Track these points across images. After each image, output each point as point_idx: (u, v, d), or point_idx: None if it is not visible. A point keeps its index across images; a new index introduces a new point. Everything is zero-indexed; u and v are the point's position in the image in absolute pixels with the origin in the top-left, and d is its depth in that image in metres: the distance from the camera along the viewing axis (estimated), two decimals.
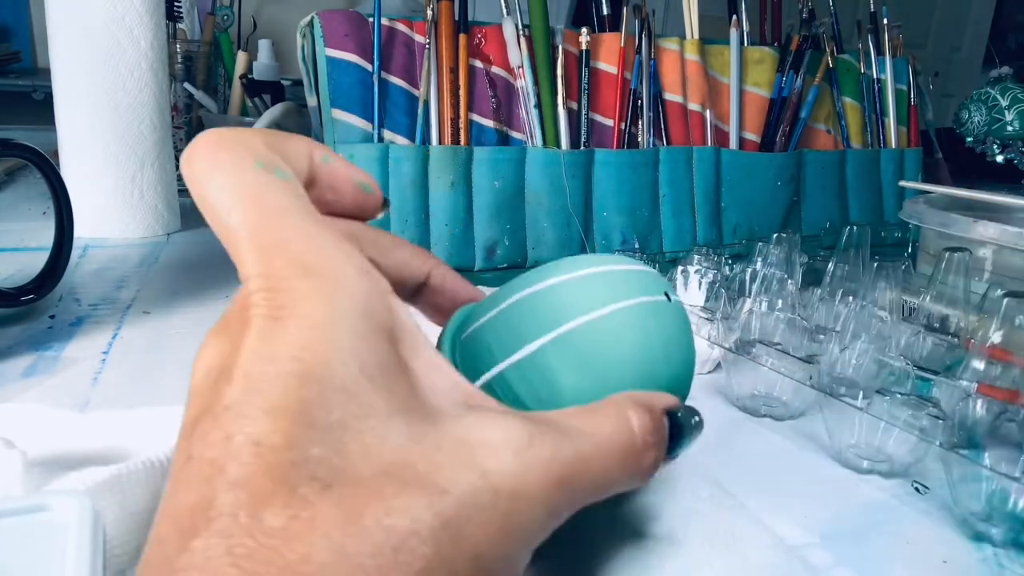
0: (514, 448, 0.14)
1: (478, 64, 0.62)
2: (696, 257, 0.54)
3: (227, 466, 0.13)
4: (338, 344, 0.14)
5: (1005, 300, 0.40)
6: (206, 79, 0.89)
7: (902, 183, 0.72)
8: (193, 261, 0.63)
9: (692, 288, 0.51)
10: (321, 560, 0.12)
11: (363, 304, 0.15)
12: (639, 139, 0.67)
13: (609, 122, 0.66)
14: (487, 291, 0.24)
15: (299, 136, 0.19)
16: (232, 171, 0.16)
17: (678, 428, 0.18)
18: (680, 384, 0.22)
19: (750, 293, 0.50)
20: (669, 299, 0.22)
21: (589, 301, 0.21)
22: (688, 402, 0.21)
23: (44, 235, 0.49)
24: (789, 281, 0.49)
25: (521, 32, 0.61)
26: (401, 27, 0.60)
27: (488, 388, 0.21)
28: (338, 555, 0.12)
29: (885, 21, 0.80)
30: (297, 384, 0.13)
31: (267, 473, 0.12)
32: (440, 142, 0.60)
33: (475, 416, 0.15)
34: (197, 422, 0.14)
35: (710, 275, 0.51)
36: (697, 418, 0.19)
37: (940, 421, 0.32)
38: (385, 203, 0.21)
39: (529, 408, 0.19)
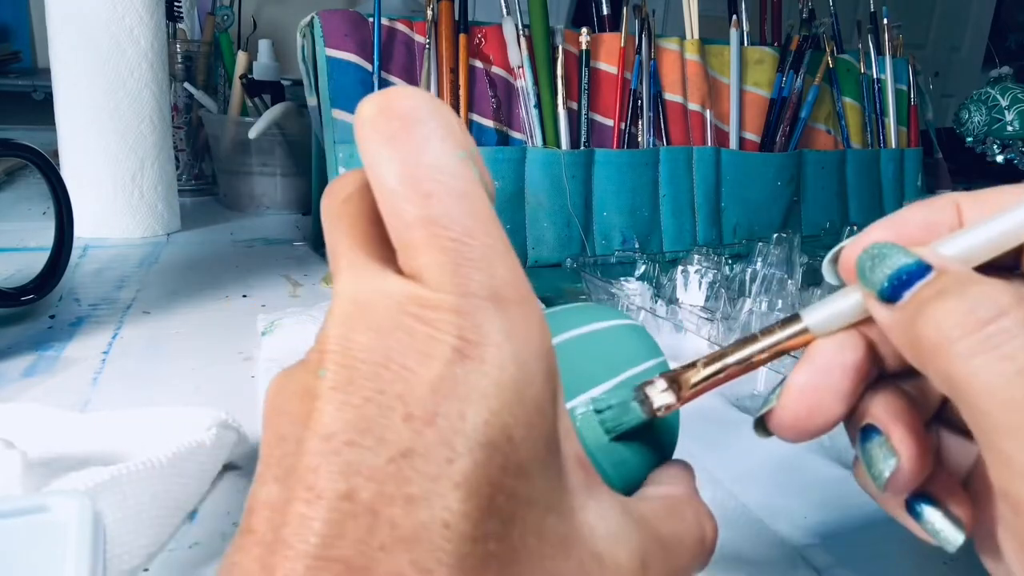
0: (634, 569, 0.15)
1: (478, 64, 0.62)
2: (696, 257, 0.54)
3: (413, 548, 0.10)
4: (524, 412, 0.12)
5: None
6: (206, 79, 0.89)
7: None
8: (193, 261, 0.63)
9: (692, 288, 0.51)
10: None
11: (547, 359, 0.13)
12: (639, 139, 0.67)
13: (609, 122, 0.66)
14: None
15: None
16: (438, 152, 0.13)
17: None
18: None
19: (750, 293, 0.50)
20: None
21: (636, 352, 0.21)
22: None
23: (44, 235, 0.49)
24: (789, 281, 0.49)
25: (521, 32, 0.61)
26: (401, 27, 0.60)
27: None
28: None
29: (885, 21, 0.80)
30: (485, 458, 0.11)
31: (454, 569, 0.11)
32: None
33: (597, 513, 0.14)
34: (370, 426, 0.11)
35: (710, 275, 0.51)
36: None
37: None
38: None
39: (594, 456, 0.19)
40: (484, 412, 0.11)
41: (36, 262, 0.48)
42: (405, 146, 0.12)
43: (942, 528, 0.18)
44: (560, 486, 0.13)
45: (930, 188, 0.86)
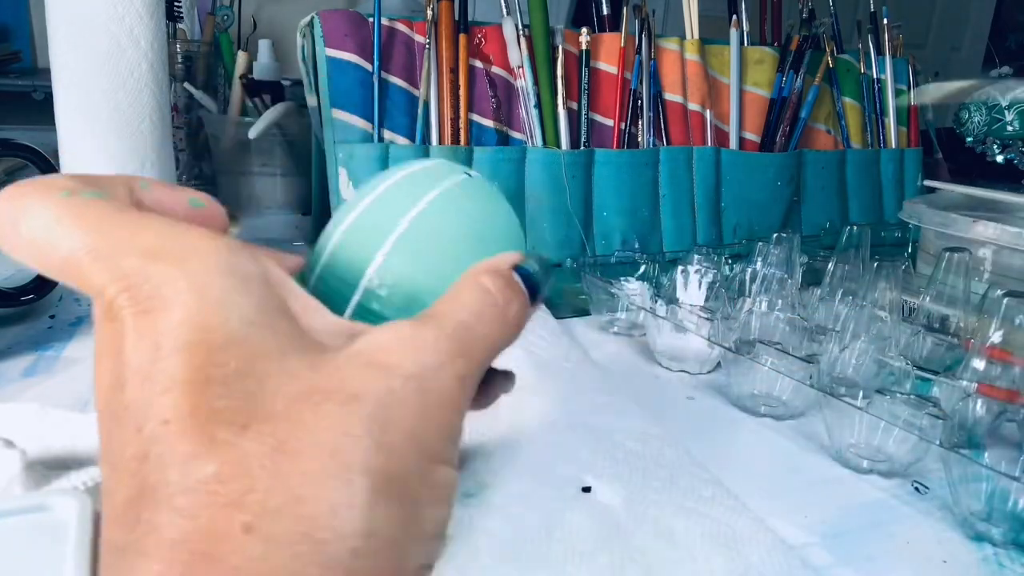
0: (404, 340, 0.16)
1: (478, 64, 0.62)
2: (696, 257, 0.54)
3: (148, 452, 0.13)
4: (211, 304, 0.14)
5: (1005, 300, 0.40)
6: (206, 79, 0.89)
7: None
8: None
9: (692, 288, 0.51)
10: (264, 486, 0.13)
11: (220, 262, 0.15)
12: (639, 139, 0.67)
13: (609, 122, 0.66)
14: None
15: (115, 176, 0.18)
16: (42, 207, 0.15)
17: (529, 276, 0.20)
18: (515, 246, 0.23)
19: (750, 293, 0.50)
20: (471, 176, 0.24)
21: (401, 206, 0.22)
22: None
23: None
24: (789, 281, 0.49)
25: (521, 32, 0.61)
26: (401, 27, 0.60)
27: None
28: (277, 477, 0.13)
29: (885, 21, 0.80)
30: (185, 357, 0.14)
31: (182, 440, 0.13)
32: (440, 142, 0.60)
33: (362, 337, 0.16)
34: (110, 437, 0.14)
35: (710, 275, 0.51)
36: (543, 260, 0.21)
37: (940, 421, 0.32)
38: (234, 218, 0.20)
39: None
40: (172, 330, 0.14)
41: None
42: (9, 235, 0.15)
43: None
44: (296, 334, 0.16)
45: (930, 188, 0.86)
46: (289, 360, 0.15)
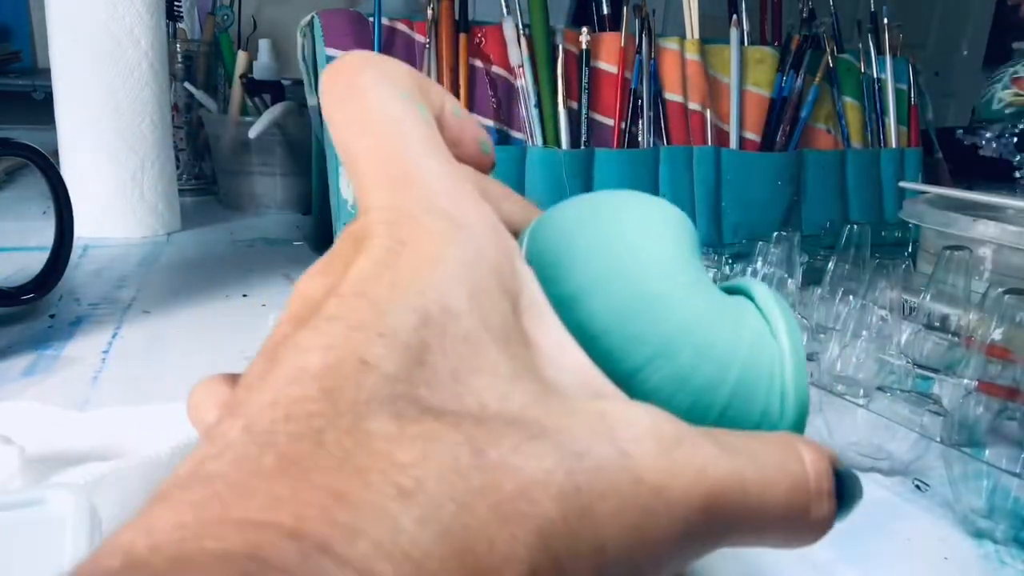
0: (660, 440, 0.12)
1: (478, 64, 0.62)
2: None
3: (324, 376, 0.11)
4: (463, 293, 0.12)
5: (1005, 298, 0.40)
6: (206, 79, 0.89)
7: (902, 184, 0.72)
8: (193, 261, 0.63)
9: None
10: (436, 470, 0.10)
11: (492, 260, 0.13)
12: (639, 139, 0.67)
13: (609, 122, 0.66)
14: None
15: (435, 83, 0.17)
16: (375, 95, 0.14)
17: (842, 486, 0.15)
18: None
19: None
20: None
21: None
22: None
23: (44, 235, 0.49)
24: (789, 280, 0.49)
25: (521, 32, 0.61)
26: (401, 27, 0.60)
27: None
28: (454, 472, 0.10)
29: (885, 21, 0.80)
30: (416, 321, 0.12)
31: (371, 395, 0.11)
32: None
33: (611, 402, 0.13)
34: (284, 339, 0.12)
35: (710, 274, 0.51)
36: (859, 482, 0.16)
37: (941, 418, 0.32)
38: (494, 164, 0.20)
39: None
40: (415, 284, 0.12)
41: (36, 262, 0.48)
42: (347, 103, 0.15)
43: None
44: (533, 366, 0.13)
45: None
46: (516, 386, 0.12)
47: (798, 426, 0.16)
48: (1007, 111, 0.89)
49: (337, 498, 0.09)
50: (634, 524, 0.11)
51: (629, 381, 0.15)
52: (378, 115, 0.14)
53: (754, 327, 0.16)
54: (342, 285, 0.12)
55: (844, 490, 0.15)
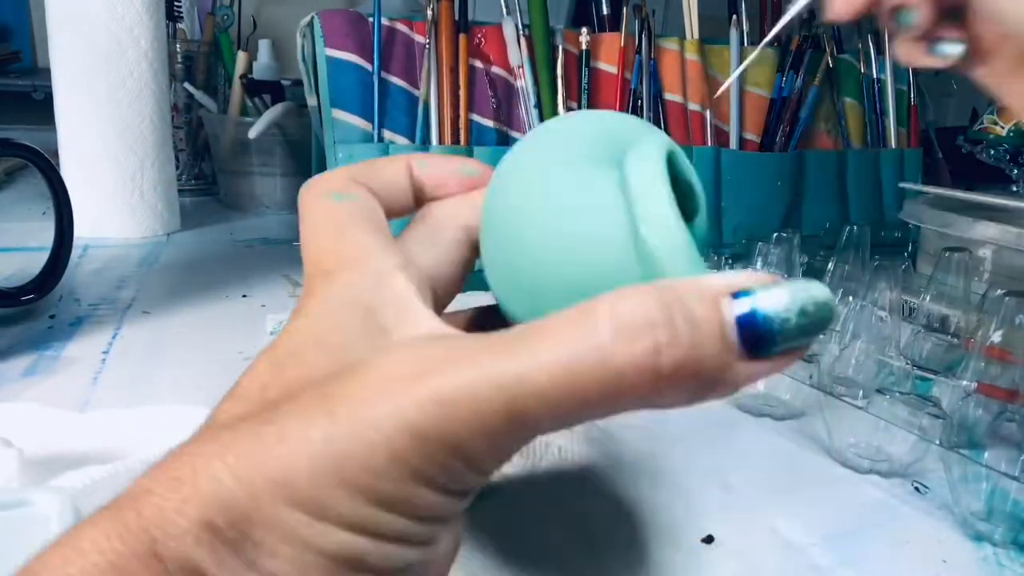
0: (428, 355, 0.15)
1: (478, 64, 0.62)
2: None
3: (229, 398, 0.17)
4: (313, 328, 0.17)
5: (1005, 300, 0.40)
6: (206, 79, 0.89)
7: (902, 184, 0.72)
8: (193, 261, 0.63)
9: None
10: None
11: (347, 293, 0.17)
12: None
13: None
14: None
15: (395, 156, 0.21)
16: (306, 203, 0.19)
17: (756, 318, 0.13)
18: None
19: None
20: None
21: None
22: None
23: (44, 235, 0.49)
24: None
25: (521, 32, 0.61)
26: (401, 27, 0.60)
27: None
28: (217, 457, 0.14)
29: None
30: (286, 351, 0.17)
31: (233, 401, 0.16)
32: (440, 142, 0.60)
33: (387, 357, 0.15)
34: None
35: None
36: (813, 296, 0.14)
37: (940, 420, 0.32)
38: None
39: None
40: (294, 328, 0.17)
41: (36, 262, 0.48)
42: (300, 221, 0.20)
43: (949, 48, 0.32)
44: (363, 350, 0.16)
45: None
46: (324, 365, 0.16)
47: (677, 264, 0.17)
48: (989, 135, 0.89)
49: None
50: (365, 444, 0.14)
51: (492, 272, 0.20)
52: (303, 220, 0.19)
53: (604, 194, 0.18)
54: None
55: (763, 322, 0.13)
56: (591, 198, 0.18)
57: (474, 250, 0.21)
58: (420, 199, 0.21)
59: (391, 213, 0.20)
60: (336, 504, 0.14)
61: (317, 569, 0.14)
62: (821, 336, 0.43)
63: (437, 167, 0.21)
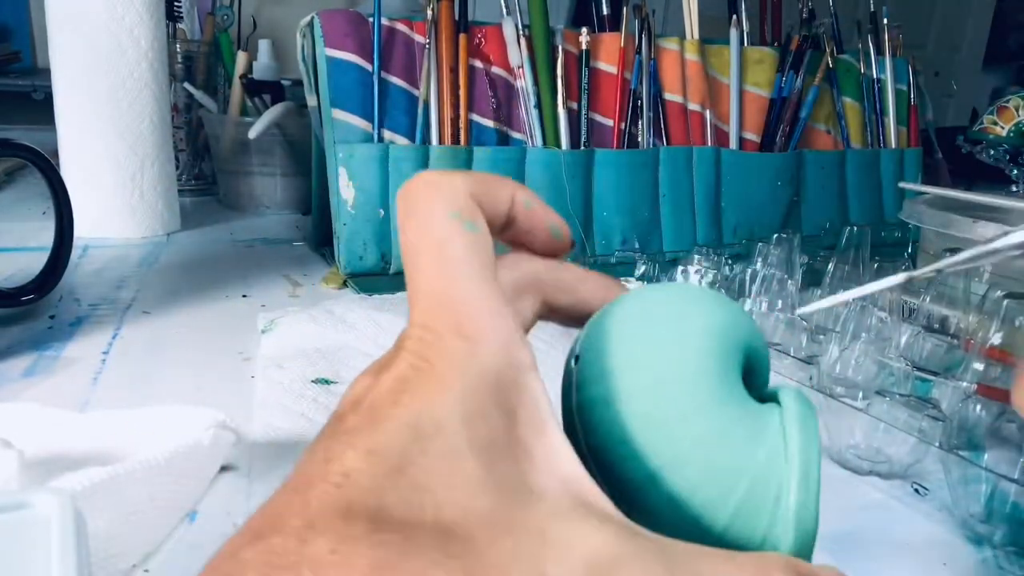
0: (593, 564, 0.13)
1: (478, 64, 0.62)
2: (696, 257, 0.54)
3: (313, 486, 0.13)
4: (457, 413, 0.14)
5: (1005, 301, 0.40)
6: (206, 79, 0.89)
7: (902, 184, 0.72)
8: (193, 261, 0.63)
9: None
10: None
11: (494, 378, 0.15)
12: (639, 139, 0.67)
13: (609, 122, 0.66)
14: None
15: (506, 180, 0.19)
16: (425, 217, 0.17)
17: None
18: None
19: (750, 293, 0.50)
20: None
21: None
22: None
23: (44, 235, 0.49)
24: (789, 281, 0.49)
25: (521, 32, 0.61)
26: (401, 27, 0.60)
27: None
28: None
29: (885, 21, 0.80)
30: (406, 438, 0.14)
31: (338, 505, 0.13)
32: (440, 142, 0.60)
33: (577, 512, 0.14)
34: (318, 439, 0.14)
35: (710, 275, 0.51)
36: None
37: (940, 422, 0.32)
38: (573, 245, 0.21)
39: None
40: (417, 404, 0.14)
41: (36, 262, 0.48)
42: (407, 222, 0.17)
43: None
44: (512, 475, 0.14)
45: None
46: (479, 498, 0.14)
47: (802, 550, 0.16)
48: (989, 135, 0.89)
49: None
50: None
51: (637, 491, 0.16)
52: (427, 237, 0.17)
53: (771, 446, 0.17)
54: (368, 396, 0.15)
55: None
56: (748, 438, 0.17)
57: (532, 324, 0.20)
58: (502, 231, 0.20)
59: None
60: None
61: None
62: (821, 338, 0.43)
63: (537, 214, 0.20)
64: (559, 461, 0.15)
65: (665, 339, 0.17)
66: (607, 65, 0.66)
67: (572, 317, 0.20)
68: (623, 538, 0.14)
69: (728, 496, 0.16)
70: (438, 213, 0.17)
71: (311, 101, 0.61)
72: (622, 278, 0.56)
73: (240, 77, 0.82)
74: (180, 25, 0.91)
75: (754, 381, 0.18)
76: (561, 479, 0.15)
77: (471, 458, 0.14)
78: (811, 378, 0.38)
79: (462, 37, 0.60)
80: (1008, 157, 0.86)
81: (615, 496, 0.16)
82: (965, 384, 0.38)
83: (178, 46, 0.86)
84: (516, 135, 0.63)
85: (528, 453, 0.15)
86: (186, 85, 0.86)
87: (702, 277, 0.51)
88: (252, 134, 0.75)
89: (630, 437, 0.17)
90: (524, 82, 0.62)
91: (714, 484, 0.16)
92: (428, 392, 0.14)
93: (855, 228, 0.55)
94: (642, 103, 0.66)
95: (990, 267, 0.52)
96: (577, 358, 0.19)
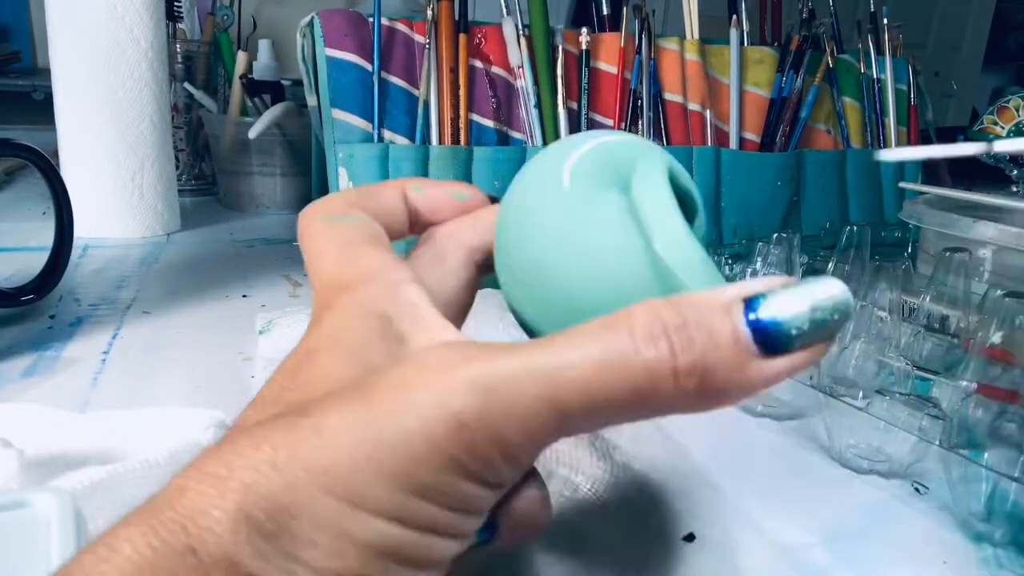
0: (468, 377, 0.15)
1: (478, 64, 0.62)
2: None
3: (251, 406, 0.17)
4: (331, 336, 0.17)
5: (1005, 300, 0.40)
6: (206, 79, 0.89)
7: (902, 184, 0.72)
8: (193, 261, 0.63)
9: None
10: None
11: (364, 304, 0.18)
12: None
13: (609, 122, 0.66)
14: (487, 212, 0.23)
15: (389, 182, 0.22)
16: (307, 228, 0.20)
17: (766, 326, 0.14)
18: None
19: None
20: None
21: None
22: None
23: (44, 235, 0.49)
24: None
25: (521, 32, 0.61)
26: (401, 27, 0.60)
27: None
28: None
29: (885, 21, 0.80)
30: (303, 356, 0.17)
31: (256, 408, 0.17)
32: (440, 142, 0.60)
33: (448, 347, 0.16)
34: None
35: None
36: (831, 296, 0.15)
37: (940, 421, 0.32)
38: (493, 200, 0.23)
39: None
40: (311, 340, 0.18)
41: (36, 262, 0.48)
42: (300, 241, 0.20)
43: None
44: (380, 353, 0.17)
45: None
46: (348, 369, 0.17)
47: (690, 284, 0.18)
48: (989, 136, 0.89)
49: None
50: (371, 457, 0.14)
51: (532, 287, 0.20)
52: (308, 241, 0.20)
53: (626, 220, 0.19)
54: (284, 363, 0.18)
55: (775, 328, 0.15)
56: (607, 228, 0.19)
57: (478, 271, 0.22)
58: (415, 223, 0.22)
59: (389, 237, 0.21)
60: (374, 493, 0.14)
61: (355, 559, 0.14)
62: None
63: (431, 192, 0.22)
64: (438, 335, 0.17)
65: (537, 171, 0.21)
66: (607, 65, 0.66)
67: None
68: (467, 346, 0.16)
69: (602, 269, 0.19)
70: (315, 222, 0.20)
71: (311, 101, 0.61)
72: None
73: (240, 77, 0.82)
74: (180, 25, 0.91)
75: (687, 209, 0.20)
76: (438, 343, 0.17)
77: (340, 356, 0.17)
78: (811, 377, 0.38)
79: (462, 37, 0.60)
80: (1008, 157, 0.85)
81: (529, 314, 0.20)
82: (965, 383, 0.38)
83: (178, 46, 0.86)
84: (516, 135, 0.63)
85: (402, 339, 0.17)
86: (186, 85, 0.86)
87: None
88: (252, 134, 0.75)
89: (510, 244, 0.20)
90: (524, 82, 0.62)
91: (584, 262, 0.19)
92: (315, 332, 0.18)
93: (855, 228, 0.55)
94: (642, 103, 0.66)
95: (990, 266, 0.52)
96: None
